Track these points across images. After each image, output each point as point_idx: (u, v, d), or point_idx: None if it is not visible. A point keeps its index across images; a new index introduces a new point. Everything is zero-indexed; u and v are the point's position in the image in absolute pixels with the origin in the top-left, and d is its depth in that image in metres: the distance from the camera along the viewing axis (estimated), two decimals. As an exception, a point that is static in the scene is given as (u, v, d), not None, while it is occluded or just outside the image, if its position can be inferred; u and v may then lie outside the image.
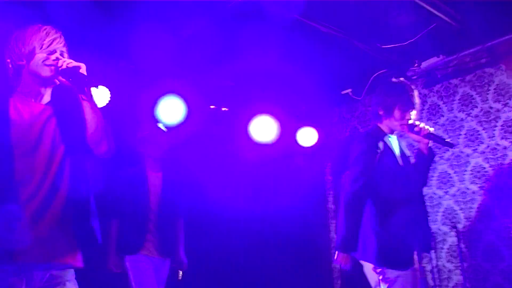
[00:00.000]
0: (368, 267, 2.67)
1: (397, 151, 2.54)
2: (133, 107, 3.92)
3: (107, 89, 3.49)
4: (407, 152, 2.64)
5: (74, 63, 1.62)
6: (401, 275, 2.30)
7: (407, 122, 2.48)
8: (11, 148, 1.53)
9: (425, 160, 2.53)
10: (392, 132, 2.58)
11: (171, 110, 3.92)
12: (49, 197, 1.54)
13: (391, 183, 2.42)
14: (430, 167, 2.58)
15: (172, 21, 3.17)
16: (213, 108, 4.50)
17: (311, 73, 4.25)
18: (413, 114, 2.52)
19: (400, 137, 2.71)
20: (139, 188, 3.08)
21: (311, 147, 4.92)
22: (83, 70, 1.62)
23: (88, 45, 2.95)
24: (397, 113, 2.49)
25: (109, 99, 3.48)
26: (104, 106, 3.46)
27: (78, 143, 1.62)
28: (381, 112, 2.55)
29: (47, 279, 1.51)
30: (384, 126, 2.56)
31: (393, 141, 2.56)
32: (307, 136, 4.90)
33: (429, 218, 2.61)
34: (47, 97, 1.73)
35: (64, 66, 1.60)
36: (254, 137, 4.60)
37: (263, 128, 4.59)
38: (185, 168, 3.79)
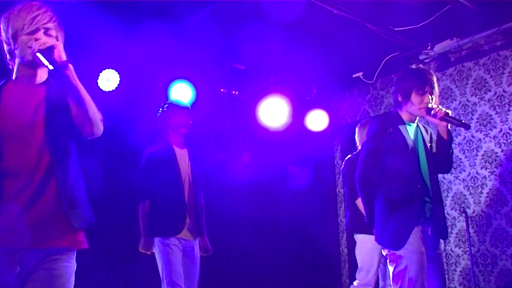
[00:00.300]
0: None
1: (411, 138, 2.50)
2: (150, 88, 3.91)
3: (117, 72, 3.49)
4: (428, 140, 2.59)
5: (49, 43, 1.50)
6: (406, 256, 2.33)
7: (426, 106, 2.46)
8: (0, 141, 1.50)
9: (445, 144, 2.50)
10: (412, 119, 2.55)
11: (182, 93, 3.92)
12: (42, 186, 1.52)
13: (399, 172, 2.42)
14: (451, 152, 2.55)
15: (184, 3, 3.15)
16: (223, 92, 4.49)
17: (322, 56, 4.21)
18: (432, 98, 2.49)
19: (424, 125, 2.67)
20: (169, 164, 2.95)
21: (321, 131, 4.91)
22: (59, 49, 1.50)
23: (99, 31, 2.95)
24: (414, 98, 2.47)
25: (118, 82, 3.47)
26: (119, 89, 3.45)
27: (63, 123, 1.57)
28: (400, 99, 2.54)
29: (42, 258, 1.52)
30: (404, 113, 2.54)
31: (411, 130, 2.54)
32: (317, 120, 4.88)
33: (443, 205, 2.59)
34: (41, 77, 1.65)
35: (36, 49, 1.50)
36: (264, 121, 4.59)
37: (273, 112, 4.58)
38: (204, 146, 3.77)
